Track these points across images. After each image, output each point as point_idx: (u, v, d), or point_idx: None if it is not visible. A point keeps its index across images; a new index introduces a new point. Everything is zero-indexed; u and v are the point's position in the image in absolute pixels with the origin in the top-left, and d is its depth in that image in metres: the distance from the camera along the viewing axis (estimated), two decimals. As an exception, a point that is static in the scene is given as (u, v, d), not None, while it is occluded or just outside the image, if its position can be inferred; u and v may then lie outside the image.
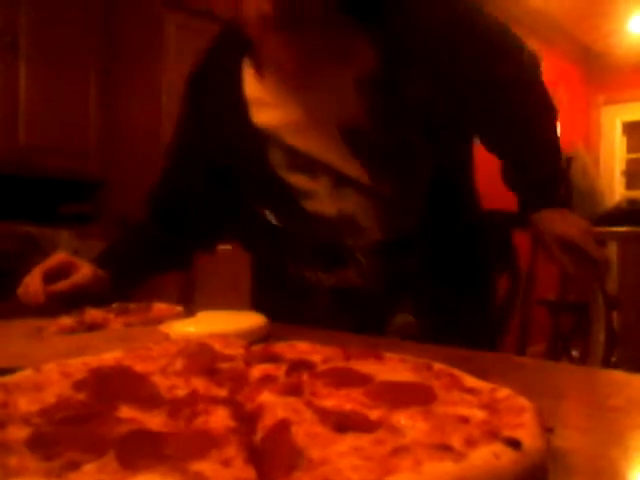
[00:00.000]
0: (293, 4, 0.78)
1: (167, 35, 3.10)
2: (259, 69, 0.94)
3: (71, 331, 0.80)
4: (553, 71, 5.66)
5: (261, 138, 0.92)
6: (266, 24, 0.81)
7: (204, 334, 0.70)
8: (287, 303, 0.92)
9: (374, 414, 0.37)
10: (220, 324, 0.78)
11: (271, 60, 0.91)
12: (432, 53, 0.86)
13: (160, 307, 0.93)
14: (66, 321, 0.82)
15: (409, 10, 0.88)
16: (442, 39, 0.87)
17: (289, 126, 0.91)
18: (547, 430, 0.36)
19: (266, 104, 0.92)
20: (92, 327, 0.83)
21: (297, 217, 0.94)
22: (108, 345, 0.69)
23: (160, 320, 0.84)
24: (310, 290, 0.97)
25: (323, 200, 0.92)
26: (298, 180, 0.92)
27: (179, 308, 0.93)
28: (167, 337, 0.73)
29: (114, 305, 0.93)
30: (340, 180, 0.90)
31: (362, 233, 0.92)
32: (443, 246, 0.91)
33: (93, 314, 0.86)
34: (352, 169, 0.90)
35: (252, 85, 0.94)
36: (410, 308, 0.92)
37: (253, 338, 0.72)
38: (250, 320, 0.79)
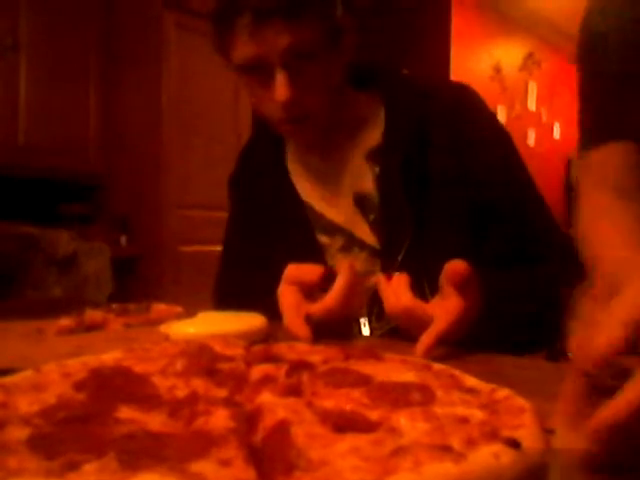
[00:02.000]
0: (300, 109, 0.91)
1: (167, 35, 3.10)
2: (295, 149, 1.10)
3: (71, 332, 0.80)
4: (552, 72, 5.67)
5: (304, 206, 1.05)
6: (282, 123, 0.95)
7: (204, 335, 0.70)
8: None
9: (374, 414, 0.37)
10: (220, 325, 0.78)
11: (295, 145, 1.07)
12: (434, 129, 0.97)
13: (160, 308, 0.93)
14: (66, 322, 0.81)
15: (407, 85, 1.03)
16: (443, 118, 0.98)
17: (316, 195, 1.05)
18: (547, 431, 0.36)
19: (303, 177, 1.07)
20: (92, 328, 0.83)
21: None
22: (108, 346, 0.69)
23: (160, 321, 0.84)
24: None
25: (335, 257, 1.03)
26: (324, 240, 1.04)
27: (179, 309, 0.93)
28: (167, 338, 0.73)
29: (114, 306, 0.93)
30: (351, 240, 1.02)
31: (366, 291, 0.99)
32: None
33: (93, 315, 0.86)
34: (361, 231, 1.01)
35: (293, 162, 1.09)
36: None
37: (253, 339, 0.72)
38: (250, 321, 0.79)
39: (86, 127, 3.15)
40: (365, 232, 1.01)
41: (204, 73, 3.25)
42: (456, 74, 4.27)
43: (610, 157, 0.79)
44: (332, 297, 0.79)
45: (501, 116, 4.77)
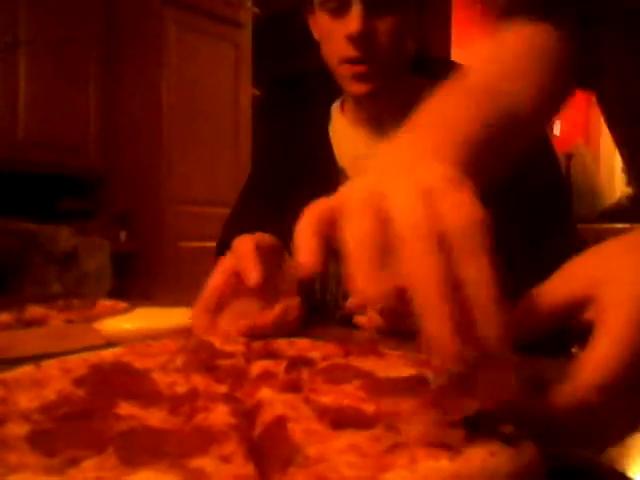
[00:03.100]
0: (368, 47, 0.92)
1: (167, 32, 3.09)
2: (342, 109, 1.10)
3: (8, 327, 0.79)
4: (553, 68, 5.66)
5: (337, 170, 1.06)
6: (346, 63, 0.95)
7: (136, 330, 0.71)
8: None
9: (370, 407, 0.37)
10: (154, 320, 0.77)
11: (351, 104, 1.07)
12: None
13: (104, 304, 0.92)
14: (3, 317, 0.80)
15: None
16: None
17: (355, 164, 1.05)
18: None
19: (343, 142, 1.08)
20: (32, 323, 0.82)
21: None
22: (42, 341, 0.69)
23: (102, 317, 0.82)
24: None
25: None
26: None
27: (123, 305, 0.91)
28: (99, 334, 0.73)
29: (59, 302, 0.92)
30: None
31: None
32: None
33: (33, 310, 0.85)
34: None
35: (337, 125, 1.09)
36: None
37: (187, 334, 0.73)
38: (186, 316, 0.77)
39: (86, 123, 3.14)
40: None
41: (204, 70, 3.25)
42: (456, 70, 4.27)
43: (515, 40, 0.67)
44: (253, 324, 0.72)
45: (501, 112, 4.77)
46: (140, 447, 0.31)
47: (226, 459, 0.30)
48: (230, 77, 3.39)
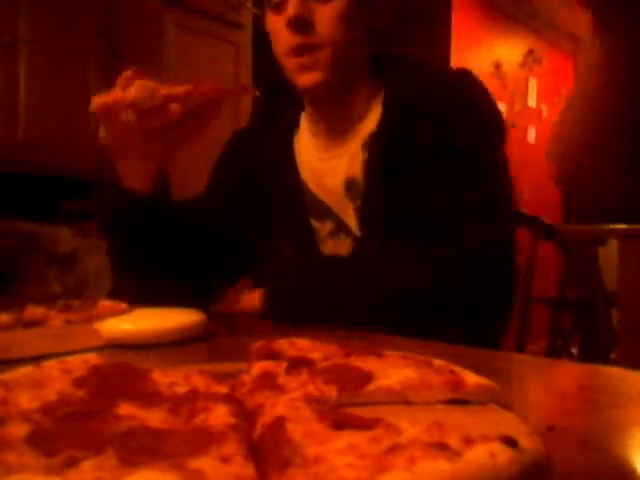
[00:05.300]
0: (309, 34, 0.93)
1: (167, 33, 3.10)
2: (308, 125, 1.10)
3: (8, 328, 0.79)
4: (554, 69, 5.66)
5: (302, 187, 1.06)
6: (293, 55, 0.95)
7: (137, 331, 0.71)
8: None
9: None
10: (155, 320, 0.77)
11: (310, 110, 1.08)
12: (421, 118, 0.97)
13: (104, 304, 0.92)
14: (3, 318, 0.80)
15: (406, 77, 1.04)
16: (428, 108, 0.98)
17: (313, 176, 1.06)
18: (547, 428, 0.36)
19: (306, 155, 1.09)
20: (31, 324, 0.82)
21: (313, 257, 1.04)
22: (41, 342, 0.69)
23: (102, 317, 0.83)
24: None
25: (325, 242, 1.03)
26: (316, 225, 1.04)
27: (124, 306, 0.91)
28: (100, 334, 0.73)
29: (59, 302, 0.92)
30: (339, 226, 1.02)
31: None
32: None
33: (33, 311, 0.85)
34: (348, 217, 1.01)
35: (300, 139, 1.11)
36: None
37: (190, 334, 0.73)
38: (187, 316, 0.78)
39: (86, 123, 3.14)
40: (352, 219, 1.01)
41: (204, 71, 3.25)
42: (456, 70, 4.26)
43: None
44: None
45: (501, 113, 4.78)
46: (140, 447, 0.31)
47: (226, 459, 0.29)
48: (230, 78, 3.39)
